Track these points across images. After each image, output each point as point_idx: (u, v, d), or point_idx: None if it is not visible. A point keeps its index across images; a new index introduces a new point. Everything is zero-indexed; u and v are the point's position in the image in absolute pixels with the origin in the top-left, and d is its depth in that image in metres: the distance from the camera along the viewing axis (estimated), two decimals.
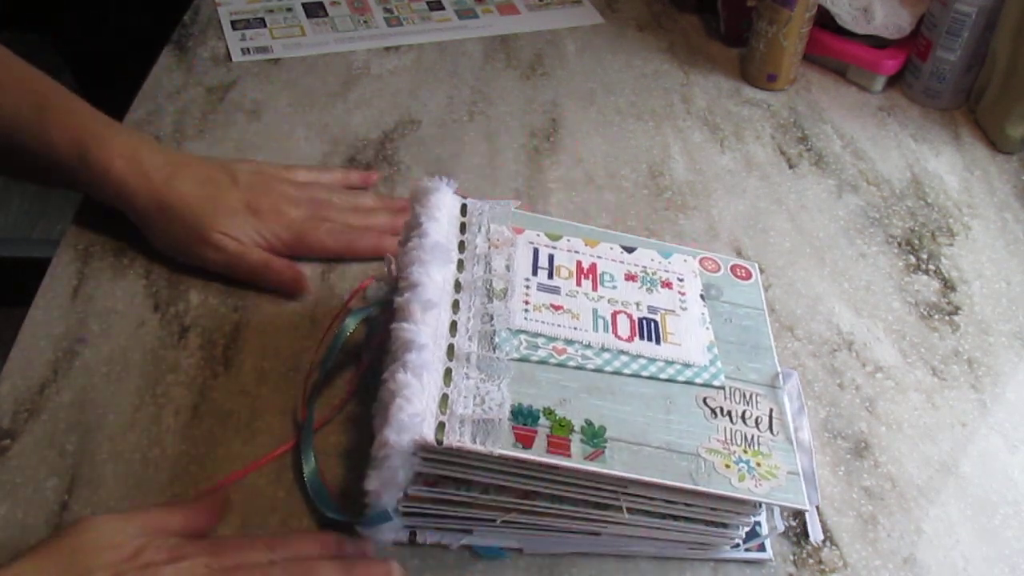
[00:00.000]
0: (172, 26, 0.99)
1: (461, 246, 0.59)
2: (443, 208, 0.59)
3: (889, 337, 0.70)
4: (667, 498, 0.51)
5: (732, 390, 0.55)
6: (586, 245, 0.62)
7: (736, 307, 0.61)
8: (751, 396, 0.55)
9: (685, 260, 0.63)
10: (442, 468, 0.49)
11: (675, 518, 0.52)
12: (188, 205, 0.67)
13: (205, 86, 0.91)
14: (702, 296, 0.61)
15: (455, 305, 0.55)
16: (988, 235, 0.80)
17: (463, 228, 0.60)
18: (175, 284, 0.70)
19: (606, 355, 0.55)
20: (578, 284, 0.59)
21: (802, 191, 0.84)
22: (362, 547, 0.53)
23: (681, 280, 0.61)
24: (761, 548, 0.56)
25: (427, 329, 0.51)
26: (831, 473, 0.61)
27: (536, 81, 0.95)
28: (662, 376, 0.54)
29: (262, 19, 1.01)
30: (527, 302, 0.56)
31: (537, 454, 0.48)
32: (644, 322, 0.57)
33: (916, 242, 0.79)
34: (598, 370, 0.54)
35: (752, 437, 0.53)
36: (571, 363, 0.54)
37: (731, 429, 0.53)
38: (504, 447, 0.48)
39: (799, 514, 0.58)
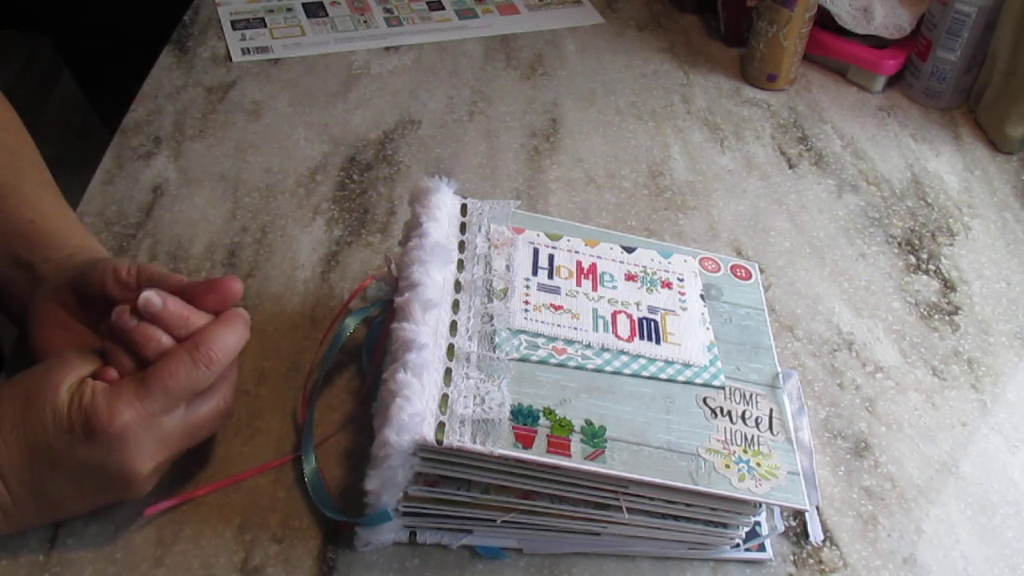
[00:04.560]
0: (172, 26, 0.99)
1: (461, 246, 0.59)
2: (443, 208, 0.59)
3: (889, 337, 0.70)
4: (667, 498, 0.51)
5: (732, 390, 0.55)
6: (586, 245, 0.62)
7: (736, 307, 0.61)
8: (751, 396, 0.55)
9: (685, 260, 0.63)
10: (442, 468, 0.49)
11: (675, 518, 0.52)
12: None
13: (205, 86, 0.91)
14: (702, 296, 0.61)
15: (455, 305, 0.55)
16: (988, 235, 0.80)
17: (463, 228, 0.60)
18: None
19: (606, 355, 0.55)
20: (578, 284, 0.59)
21: (802, 191, 0.84)
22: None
23: (681, 280, 0.61)
24: (761, 548, 0.56)
25: (427, 329, 0.51)
26: (831, 473, 0.61)
27: (536, 81, 0.95)
28: (662, 376, 0.54)
29: (262, 19, 1.01)
30: (527, 302, 0.56)
31: (537, 454, 0.48)
32: (644, 322, 0.57)
33: (916, 242, 0.79)
34: (598, 370, 0.54)
35: (752, 437, 0.53)
36: (571, 363, 0.54)
37: (731, 429, 0.53)
38: (504, 447, 0.48)
39: (799, 514, 0.58)
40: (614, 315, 0.57)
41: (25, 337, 0.56)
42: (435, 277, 0.54)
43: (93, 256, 0.58)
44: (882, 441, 0.63)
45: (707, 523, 0.52)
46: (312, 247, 0.74)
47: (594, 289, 0.59)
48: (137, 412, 0.47)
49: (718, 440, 0.52)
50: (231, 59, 0.95)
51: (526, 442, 0.49)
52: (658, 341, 0.56)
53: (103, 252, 0.62)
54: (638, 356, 0.55)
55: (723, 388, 0.55)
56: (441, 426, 0.48)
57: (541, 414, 0.50)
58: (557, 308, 0.57)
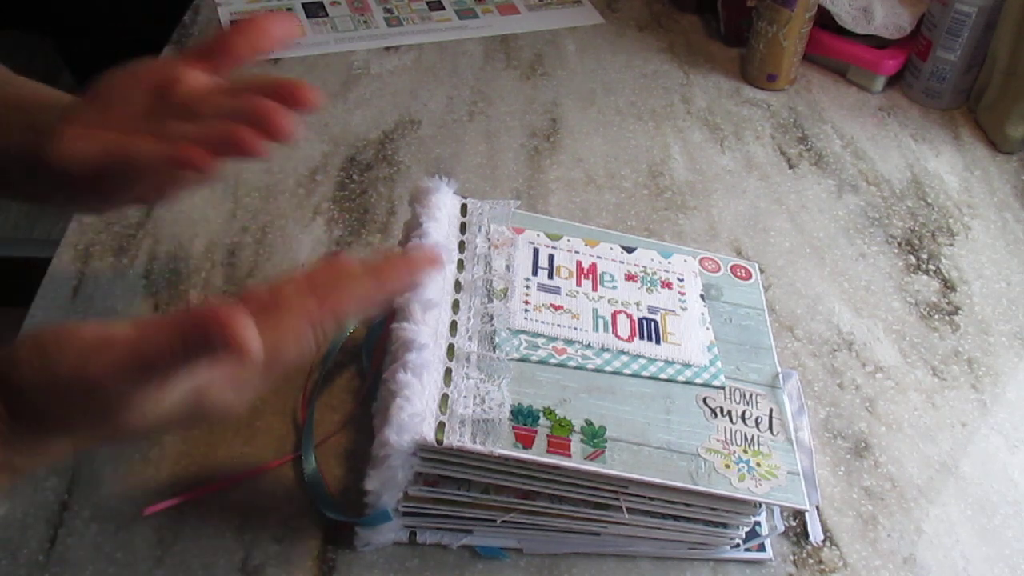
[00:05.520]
0: (172, 26, 0.99)
1: (461, 246, 0.59)
2: (443, 208, 0.59)
3: (889, 337, 0.70)
4: (667, 498, 0.51)
5: (732, 390, 0.55)
6: (586, 245, 0.62)
7: (736, 307, 0.61)
8: (751, 396, 0.55)
9: (685, 260, 0.63)
10: (442, 468, 0.49)
11: (675, 518, 0.52)
12: None
13: None
14: (702, 296, 0.61)
15: (455, 305, 0.55)
16: (988, 235, 0.80)
17: (463, 228, 0.60)
18: (175, 284, 0.70)
19: (606, 355, 0.55)
20: (578, 284, 0.59)
21: (802, 191, 0.84)
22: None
23: (681, 280, 0.61)
24: (761, 548, 0.56)
25: (427, 329, 0.51)
26: (831, 473, 0.61)
27: (536, 81, 0.95)
28: (662, 376, 0.54)
29: None
30: (527, 302, 0.56)
31: (537, 454, 0.48)
32: (644, 322, 0.57)
33: (916, 242, 0.79)
34: (598, 370, 0.54)
35: (752, 437, 0.53)
36: (571, 363, 0.54)
37: (731, 429, 0.53)
38: (504, 447, 0.48)
39: (799, 514, 0.58)
40: (614, 315, 0.57)
41: (47, 160, 0.47)
42: (435, 277, 0.54)
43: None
44: (882, 441, 0.63)
45: (707, 523, 0.52)
46: (312, 247, 0.74)
47: (594, 289, 0.59)
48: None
49: (718, 440, 0.52)
50: None
51: (526, 442, 0.49)
52: (658, 341, 0.56)
53: None
54: (638, 356, 0.55)
55: (723, 388, 0.55)
56: (441, 426, 0.48)
57: (541, 414, 0.50)
58: (557, 308, 0.57)
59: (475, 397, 0.50)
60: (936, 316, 0.72)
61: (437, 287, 0.54)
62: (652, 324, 0.57)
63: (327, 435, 0.60)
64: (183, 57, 0.47)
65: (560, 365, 0.53)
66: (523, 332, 0.54)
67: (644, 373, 0.54)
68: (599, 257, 0.61)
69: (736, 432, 0.53)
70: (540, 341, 0.54)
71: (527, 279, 0.58)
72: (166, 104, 0.46)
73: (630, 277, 0.60)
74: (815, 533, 0.57)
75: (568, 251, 0.61)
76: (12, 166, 0.50)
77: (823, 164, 0.87)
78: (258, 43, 0.47)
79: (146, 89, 0.46)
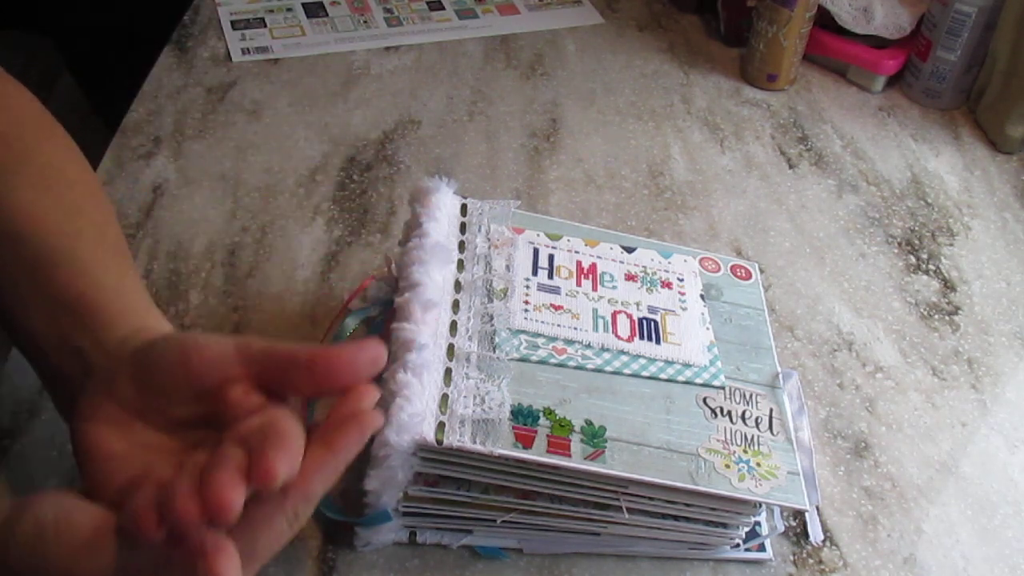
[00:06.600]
0: (172, 26, 0.99)
1: (461, 246, 0.59)
2: (443, 208, 0.59)
3: (889, 337, 0.70)
4: (667, 498, 0.51)
5: (732, 390, 0.55)
6: (586, 245, 0.62)
7: (736, 307, 0.61)
8: (751, 396, 0.55)
9: (685, 260, 0.63)
10: (442, 468, 0.49)
11: (675, 518, 0.52)
12: None
13: (205, 86, 0.91)
14: (702, 296, 0.61)
15: (455, 305, 0.55)
16: (988, 235, 0.80)
17: (463, 228, 0.60)
18: (175, 284, 0.70)
19: (606, 355, 0.55)
20: (578, 284, 0.59)
21: (802, 191, 0.84)
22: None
23: (681, 280, 0.61)
24: (761, 548, 0.56)
25: (427, 329, 0.51)
26: (831, 473, 0.61)
27: (536, 81, 0.95)
28: (662, 376, 0.54)
29: (262, 19, 1.01)
30: (527, 302, 0.56)
31: (537, 454, 0.48)
32: (644, 322, 0.57)
33: (916, 242, 0.79)
34: (598, 370, 0.54)
35: (752, 437, 0.53)
36: (571, 363, 0.54)
37: (731, 429, 0.53)
38: (504, 447, 0.48)
39: (799, 514, 0.58)
40: (614, 315, 0.57)
41: (71, 435, 0.43)
42: (435, 277, 0.54)
43: (157, 335, 0.44)
44: (882, 441, 0.63)
45: (707, 523, 0.52)
46: (312, 247, 0.74)
47: (594, 289, 0.59)
48: None
49: (718, 440, 0.52)
50: (231, 59, 0.95)
51: (526, 442, 0.49)
52: (658, 341, 0.56)
53: (168, 330, 0.47)
54: (638, 356, 0.55)
55: (723, 388, 0.55)
56: (441, 426, 0.48)
57: (541, 414, 0.50)
58: (557, 308, 0.57)
59: (475, 397, 0.50)
60: (936, 316, 0.72)
61: (437, 287, 0.54)
62: (652, 324, 0.57)
63: None
64: (249, 356, 0.43)
65: (560, 365, 0.53)
66: (523, 332, 0.54)
67: (644, 373, 0.54)
68: (599, 257, 0.61)
69: (736, 432, 0.53)
70: (540, 341, 0.54)
71: (527, 279, 0.58)
72: (206, 415, 0.42)
73: (630, 277, 0.60)
74: (815, 533, 0.57)
75: (568, 251, 0.61)
76: (59, 390, 0.46)
77: (823, 164, 0.87)
78: (337, 381, 0.42)
79: (193, 388, 0.41)
